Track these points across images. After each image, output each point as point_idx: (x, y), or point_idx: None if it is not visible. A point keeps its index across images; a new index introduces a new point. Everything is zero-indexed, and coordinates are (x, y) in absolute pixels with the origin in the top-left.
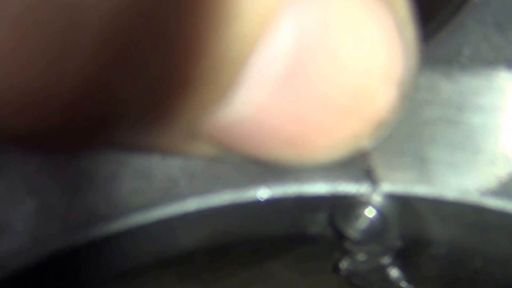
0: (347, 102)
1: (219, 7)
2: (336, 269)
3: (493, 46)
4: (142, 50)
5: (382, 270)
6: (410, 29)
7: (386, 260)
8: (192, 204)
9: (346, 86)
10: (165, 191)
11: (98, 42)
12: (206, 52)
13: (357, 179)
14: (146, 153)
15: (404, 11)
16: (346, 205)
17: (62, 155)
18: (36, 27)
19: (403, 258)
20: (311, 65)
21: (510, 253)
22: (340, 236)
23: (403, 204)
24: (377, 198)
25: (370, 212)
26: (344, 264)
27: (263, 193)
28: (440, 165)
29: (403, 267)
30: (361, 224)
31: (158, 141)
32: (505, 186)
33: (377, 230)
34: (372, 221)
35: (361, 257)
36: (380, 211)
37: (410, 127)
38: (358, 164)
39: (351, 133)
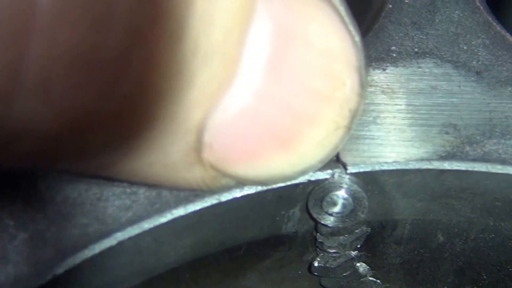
0: (322, 87)
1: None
2: (310, 269)
3: (414, 40)
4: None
5: (351, 265)
6: (351, 20)
7: (355, 253)
8: (178, 212)
9: (319, 69)
10: (150, 204)
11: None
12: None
13: (326, 166)
14: (153, 187)
15: (342, 6)
16: (319, 191)
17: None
18: None
19: (369, 249)
20: (289, 49)
21: (470, 219)
22: (314, 226)
23: (370, 182)
24: (346, 180)
25: (341, 194)
26: (316, 263)
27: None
28: (396, 143)
29: (370, 259)
30: (334, 207)
31: (159, 171)
32: (458, 151)
33: (349, 211)
34: (344, 203)
35: (332, 249)
36: (350, 192)
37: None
38: None
39: (332, 123)
